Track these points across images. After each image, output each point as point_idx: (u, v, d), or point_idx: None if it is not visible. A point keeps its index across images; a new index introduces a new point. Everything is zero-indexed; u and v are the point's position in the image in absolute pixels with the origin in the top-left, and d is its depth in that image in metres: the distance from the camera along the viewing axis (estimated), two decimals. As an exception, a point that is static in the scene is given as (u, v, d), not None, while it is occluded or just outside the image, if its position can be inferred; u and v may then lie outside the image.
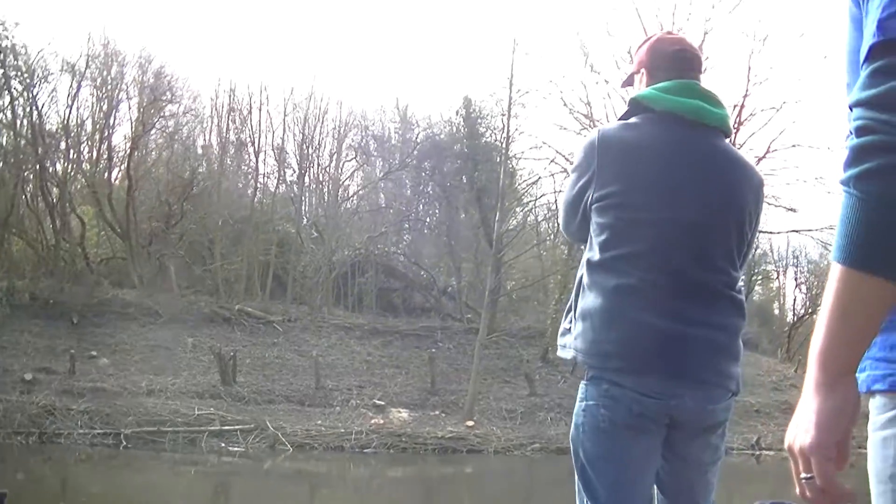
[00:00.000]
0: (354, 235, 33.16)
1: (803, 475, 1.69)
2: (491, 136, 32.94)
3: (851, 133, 1.63)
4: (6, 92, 27.62)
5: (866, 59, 1.63)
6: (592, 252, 3.40)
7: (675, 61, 3.62)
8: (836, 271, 1.65)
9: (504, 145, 29.07)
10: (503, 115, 29.20)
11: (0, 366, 21.36)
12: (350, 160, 35.65)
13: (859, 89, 1.62)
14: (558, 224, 4.14)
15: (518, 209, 32.26)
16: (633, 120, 3.55)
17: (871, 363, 1.77)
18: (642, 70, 3.72)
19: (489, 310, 26.25)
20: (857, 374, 1.72)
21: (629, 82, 3.84)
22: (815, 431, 1.67)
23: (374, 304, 31.50)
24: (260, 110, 32.35)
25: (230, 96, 32.45)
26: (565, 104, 28.32)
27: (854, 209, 1.60)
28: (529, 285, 32.08)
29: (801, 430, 1.70)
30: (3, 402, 19.70)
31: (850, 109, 1.65)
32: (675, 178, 3.40)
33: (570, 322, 3.46)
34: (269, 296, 29.78)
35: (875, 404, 1.79)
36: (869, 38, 1.63)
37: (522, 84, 28.12)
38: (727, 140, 3.67)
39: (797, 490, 1.74)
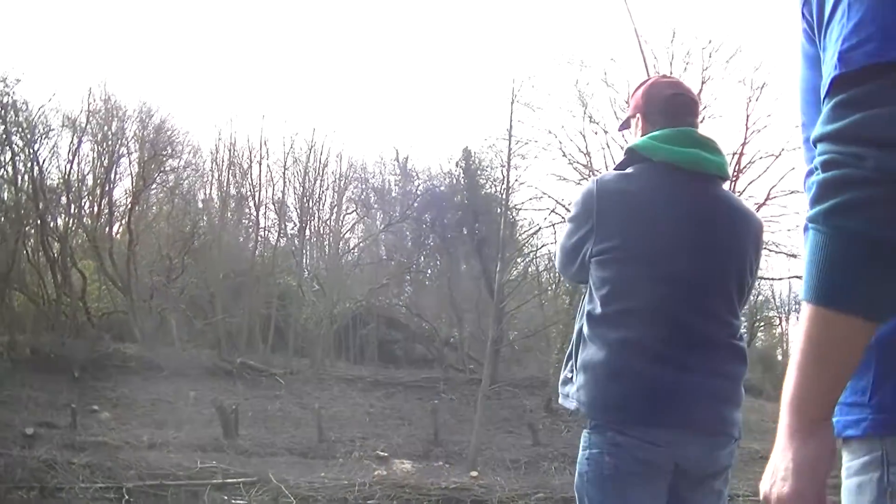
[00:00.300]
0: (355, 287, 33.07)
1: None
2: (491, 187, 32.99)
3: (817, 168, 1.60)
4: (7, 148, 27.76)
5: (828, 92, 1.61)
6: (593, 305, 3.40)
7: (670, 105, 3.61)
8: (807, 312, 1.61)
9: (504, 196, 29.14)
10: (503, 166, 29.31)
11: (1, 420, 21.26)
12: (350, 213, 35.76)
13: (822, 124, 1.60)
14: (556, 266, 4.10)
15: (519, 259, 32.25)
16: (630, 170, 3.53)
17: (841, 408, 1.72)
18: (638, 115, 3.71)
19: (491, 360, 26.17)
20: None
21: (626, 125, 3.83)
22: (794, 480, 1.64)
23: (375, 355, 31.45)
24: (260, 164, 32.45)
25: (230, 150, 32.56)
26: (564, 154, 28.45)
27: (824, 246, 1.57)
28: (531, 335, 31.96)
29: (777, 479, 1.66)
30: (4, 456, 19.59)
31: (814, 145, 1.62)
32: (675, 231, 3.39)
33: (571, 371, 3.45)
34: (271, 349, 29.70)
35: (849, 450, 1.75)
36: (830, 70, 1.61)
37: (521, 134, 28.21)
38: (725, 185, 3.67)
39: None
